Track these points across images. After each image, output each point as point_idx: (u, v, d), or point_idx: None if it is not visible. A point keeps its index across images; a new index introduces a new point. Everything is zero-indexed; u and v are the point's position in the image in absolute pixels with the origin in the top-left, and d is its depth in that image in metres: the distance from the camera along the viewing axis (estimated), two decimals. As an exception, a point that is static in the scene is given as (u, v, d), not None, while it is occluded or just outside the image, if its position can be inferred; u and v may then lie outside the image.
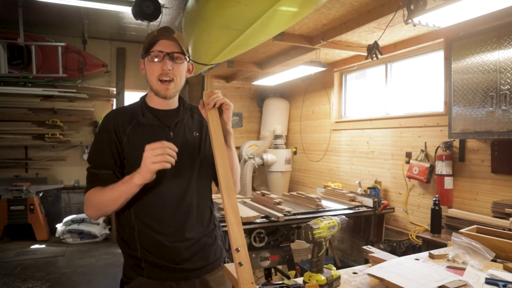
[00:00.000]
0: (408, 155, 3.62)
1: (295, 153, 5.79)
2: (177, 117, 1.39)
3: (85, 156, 5.93)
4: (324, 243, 1.17)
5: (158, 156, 1.14)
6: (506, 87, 2.49)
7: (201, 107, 1.30)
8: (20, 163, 5.62)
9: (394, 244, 3.35)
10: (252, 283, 1.02)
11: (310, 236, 1.14)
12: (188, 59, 1.37)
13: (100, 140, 1.33)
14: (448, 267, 1.37)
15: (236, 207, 1.13)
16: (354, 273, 1.34)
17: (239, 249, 1.05)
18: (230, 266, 1.18)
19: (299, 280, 1.22)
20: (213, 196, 1.52)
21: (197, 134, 1.43)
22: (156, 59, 1.30)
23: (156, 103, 1.39)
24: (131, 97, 6.21)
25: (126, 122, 1.33)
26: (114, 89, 5.99)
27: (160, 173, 1.28)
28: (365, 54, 3.11)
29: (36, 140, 5.55)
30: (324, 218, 1.19)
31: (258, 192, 3.47)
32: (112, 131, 1.31)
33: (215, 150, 1.22)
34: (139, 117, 1.35)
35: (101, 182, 1.26)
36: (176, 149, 1.17)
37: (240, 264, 1.03)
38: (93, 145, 1.36)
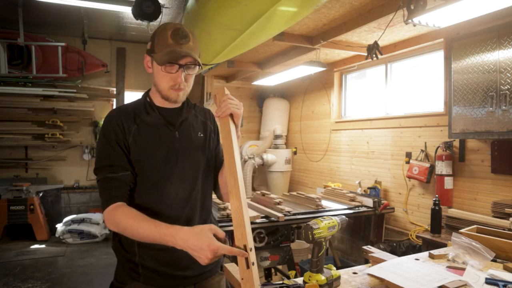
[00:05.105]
0: (408, 155, 3.62)
1: (295, 153, 5.79)
2: (182, 116, 1.36)
3: (85, 156, 5.93)
4: (324, 243, 1.17)
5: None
6: (506, 87, 2.49)
7: (215, 101, 1.27)
8: (20, 163, 5.62)
9: (394, 244, 3.35)
10: (258, 284, 1.00)
11: (310, 236, 1.14)
12: (199, 65, 1.30)
13: (108, 141, 1.24)
14: (448, 267, 1.37)
15: (246, 207, 1.11)
16: (354, 273, 1.34)
17: (252, 248, 1.02)
18: (230, 266, 1.18)
19: (299, 280, 1.22)
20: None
21: (202, 135, 1.40)
22: (170, 70, 1.24)
23: (160, 101, 1.33)
24: (131, 97, 6.21)
25: (130, 121, 1.27)
26: (114, 89, 5.99)
27: (166, 175, 1.27)
28: (365, 54, 3.11)
29: (36, 140, 5.54)
30: (324, 218, 1.20)
31: (258, 192, 3.47)
32: (118, 131, 1.24)
33: (226, 152, 1.18)
34: (143, 115, 1.30)
35: (123, 186, 1.20)
36: (224, 235, 1.06)
37: (253, 264, 1.01)
38: (101, 149, 1.25)
